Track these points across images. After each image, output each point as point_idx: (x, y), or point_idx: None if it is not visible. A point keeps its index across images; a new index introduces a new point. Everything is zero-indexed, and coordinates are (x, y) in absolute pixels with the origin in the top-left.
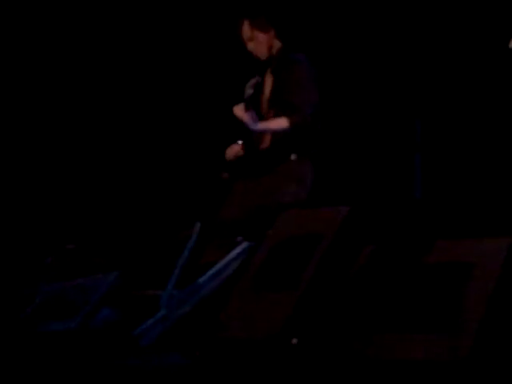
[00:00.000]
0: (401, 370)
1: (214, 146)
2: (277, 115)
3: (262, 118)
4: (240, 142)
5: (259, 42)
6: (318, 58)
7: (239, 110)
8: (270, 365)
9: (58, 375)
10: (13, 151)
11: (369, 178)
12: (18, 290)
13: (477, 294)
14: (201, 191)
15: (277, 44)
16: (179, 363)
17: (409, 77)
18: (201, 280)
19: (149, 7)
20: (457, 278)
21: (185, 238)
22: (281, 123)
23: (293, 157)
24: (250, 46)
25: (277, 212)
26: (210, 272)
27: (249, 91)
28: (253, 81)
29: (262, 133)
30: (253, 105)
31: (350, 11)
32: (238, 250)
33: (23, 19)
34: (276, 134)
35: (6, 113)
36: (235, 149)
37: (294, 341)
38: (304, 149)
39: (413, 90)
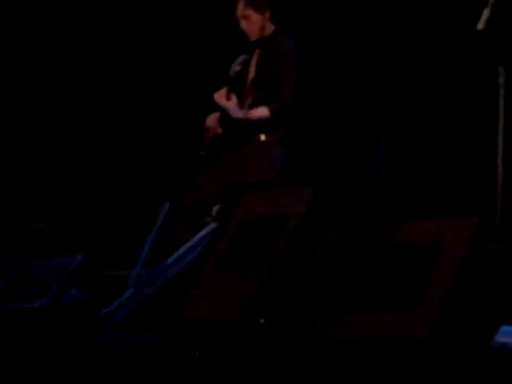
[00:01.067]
0: (366, 350)
1: (191, 123)
2: (256, 99)
3: (243, 96)
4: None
5: (252, 22)
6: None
7: (221, 97)
8: (236, 345)
9: (25, 353)
10: None
11: (334, 158)
12: None
13: (442, 274)
14: (176, 169)
15: (270, 27)
16: (144, 339)
17: (375, 58)
18: (169, 260)
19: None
20: (422, 258)
21: (153, 218)
22: (262, 113)
23: (262, 137)
24: (243, 24)
25: (244, 189)
26: (178, 252)
27: (235, 68)
28: (241, 57)
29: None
30: (237, 83)
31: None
32: (205, 230)
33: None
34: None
35: None
36: (214, 117)
37: (262, 321)
38: (275, 130)
39: (378, 75)
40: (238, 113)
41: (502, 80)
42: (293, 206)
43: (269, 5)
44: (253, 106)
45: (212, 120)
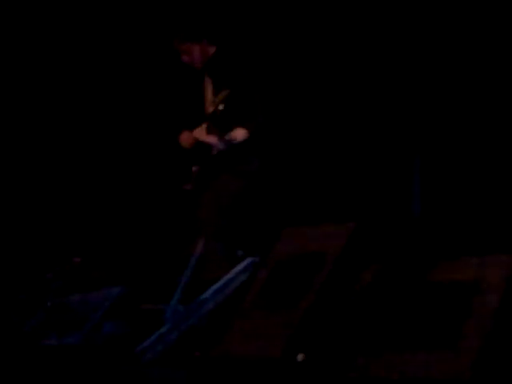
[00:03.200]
0: None
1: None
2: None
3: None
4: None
5: (192, 54)
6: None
7: (201, 134)
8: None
9: None
10: (15, 160)
11: (369, 195)
12: (22, 303)
13: (480, 313)
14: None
15: (211, 50)
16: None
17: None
18: (205, 295)
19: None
20: (461, 297)
21: (188, 254)
22: (242, 134)
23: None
24: (184, 58)
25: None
26: (214, 287)
27: (220, 107)
28: (220, 96)
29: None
30: (198, 109)
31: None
32: (241, 265)
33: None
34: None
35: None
36: (190, 136)
37: (300, 357)
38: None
39: (414, 110)
40: (222, 145)
41: None
42: (331, 244)
43: (204, 32)
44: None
45: (186, 138)
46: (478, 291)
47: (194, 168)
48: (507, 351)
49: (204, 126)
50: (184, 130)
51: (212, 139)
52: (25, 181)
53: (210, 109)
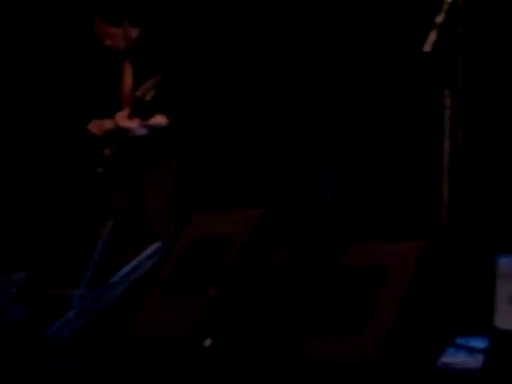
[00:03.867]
0: (312, 373)
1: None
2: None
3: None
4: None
5: (114, 37)
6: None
7: (123, 119)
8: (182, 367)
9: None
10: None
11: (280, 181)
12: None
13: (389, 298)
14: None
15: (134, 32)
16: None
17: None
18: (112, 280)
19: None
20: (369, 282)
21: (96, 237)
22: (161, 121)
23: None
24: (107, 41)
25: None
26: (122, 272)
27: (149, 95)
28: (151, 81)
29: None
30: (114, 94)
31: None
32: (149, 250)
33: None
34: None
35: None
36: (103, 124)
37: (208, 342)
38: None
39: (324, 99)
40: (144, 130)
41: (447, 102)
42: (238, 230)
43: (125, 13)
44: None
45: (96, 126)
46: (386, 276)
47: (106, 151)
48: (413, 337)
49: (126, 111)
50: (94, 118)
51: (134, 124)
52: None
53: (137, 94)
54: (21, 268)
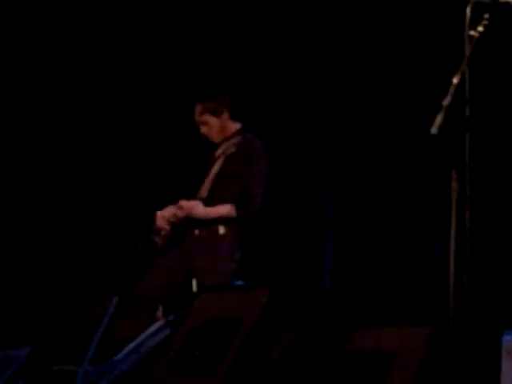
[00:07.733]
0: None
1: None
2: (217, 192)
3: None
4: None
5: (210, 126)
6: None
7: (170, 213)
8: None
9: None
10: None
11: (279, 265)
12: None
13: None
14: (117, 263)
15: (232, 126)
16: None
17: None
18: (117, 357)
19: None
20: (378, 367)
21: (101, 313)
22: (228, 211)
23: (221, 230)
24: (203, 129)
25: (197, 293)
26: (127, 349)
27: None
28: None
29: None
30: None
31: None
32: (155, 326)
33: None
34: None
35: None
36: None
37: None
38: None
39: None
40: (198, 209)
41: (454, 185)
42: (247, 308)
43: (227, 104)
44: (211, 197)
45: (162, 219)
46: (394, 362)
47: (157, 239)
48: None
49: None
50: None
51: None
52: None
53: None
54: (26, 341)
